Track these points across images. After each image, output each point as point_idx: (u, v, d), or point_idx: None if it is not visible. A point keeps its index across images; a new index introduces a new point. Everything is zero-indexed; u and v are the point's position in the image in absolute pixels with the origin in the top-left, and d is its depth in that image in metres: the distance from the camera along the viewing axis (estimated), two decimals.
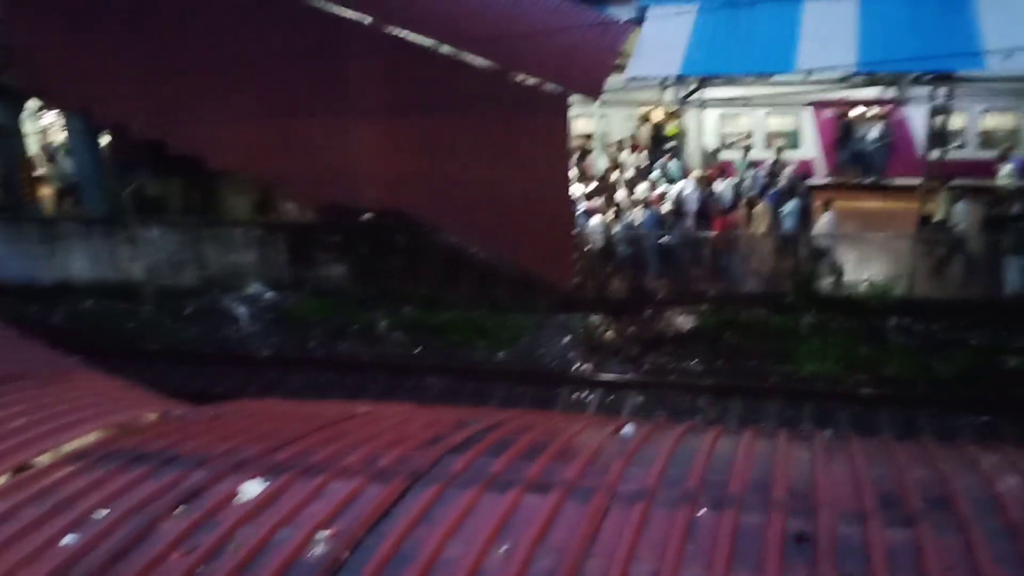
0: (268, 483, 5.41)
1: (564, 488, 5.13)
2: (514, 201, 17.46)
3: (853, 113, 23.90)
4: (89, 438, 6.68)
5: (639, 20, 17.93)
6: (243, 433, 6.62)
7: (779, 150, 22.33)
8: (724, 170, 21.38)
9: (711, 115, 23.47)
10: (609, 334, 17.27)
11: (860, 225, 19.18)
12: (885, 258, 17.23)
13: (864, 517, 4.68)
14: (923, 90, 18.05)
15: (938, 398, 14.60)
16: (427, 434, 6.27)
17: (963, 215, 17.23)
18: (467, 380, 16.74)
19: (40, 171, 25.51)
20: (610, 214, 18.79)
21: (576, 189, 19.37)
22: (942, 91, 17.45)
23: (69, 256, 20.79)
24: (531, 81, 16.62)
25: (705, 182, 19.80)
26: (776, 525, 4.62)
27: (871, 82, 17.66)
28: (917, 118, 22.27)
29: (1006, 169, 19.91)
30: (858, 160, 23.54)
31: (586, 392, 16.05)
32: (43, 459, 6.20)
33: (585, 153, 23.45)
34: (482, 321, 17.89)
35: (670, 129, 24.89)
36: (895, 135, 23.16)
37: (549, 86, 16.48)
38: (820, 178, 22.17)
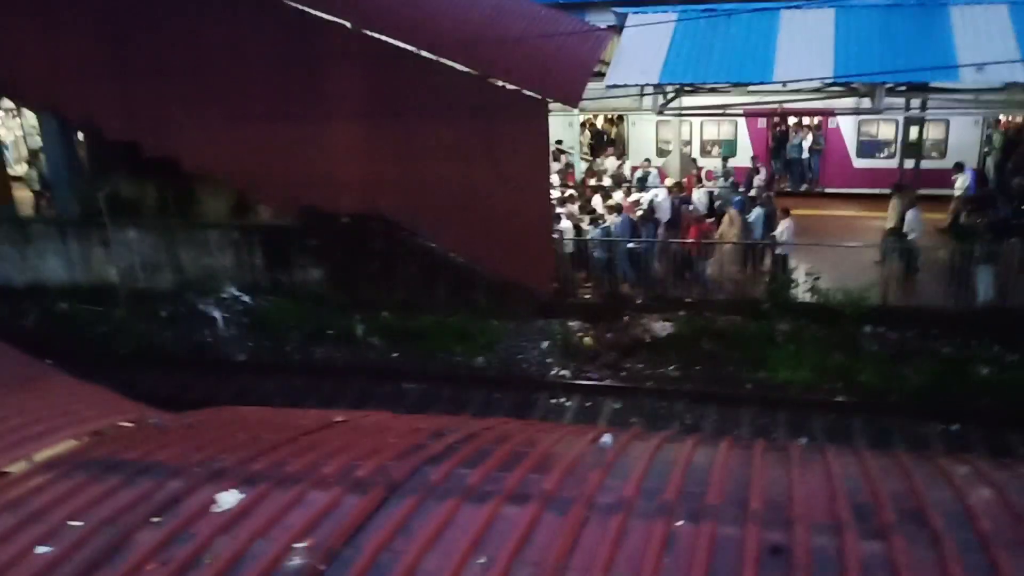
0: (244, 493, 5.38)
1: (542, 499, 5.14)
2: (492, 206, 17.49)
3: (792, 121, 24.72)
4: (62, 446, 6.62)
5: (619, 28, 18.01)
6: (219, 442, 6.58)
7: (725, 159, 22.71)
8: (698, 178, 21.60)
9: (648, 123, 23.96)
10: (587, 340, 17.31)
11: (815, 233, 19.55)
12: (844, 266, 17.41)
13: (839, 529, 4.73)
14: (897, 100, 18.37)
15: (909, 406, 14.79)
16: (405, 444, 6.26)
17: (914, 223, 17.45)
18: (444, 386, 16.70)
19: (16, 172, 25.24)
20: (574, 220, 18.75)
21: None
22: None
23: (42, 258, 20.54)
24: (510, 87, 16.65)
25: (678, 189, 19.97)
26: (752, 537, 4.66)
27: (847, 93, 17.86)
28: (849, 128, 22.79)
29: (960, 180, 20.26)
30: (791, 168, 23.87)
31: (564, 398, 16.08)
32: (15, 468, 6.13)
33: (558, 154, 23.68)
34: (459, 326, 17.86)
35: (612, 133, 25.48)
36: (827, 145, 23.59)
37: (528, 92, 16.51)
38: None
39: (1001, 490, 5.32)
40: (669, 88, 18.03)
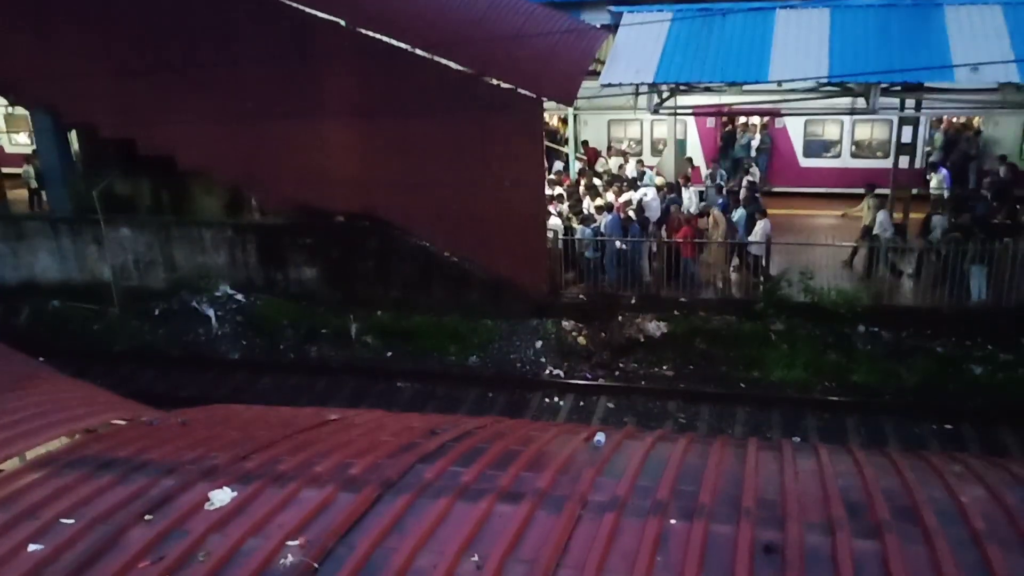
0: (237, 491, 5.37)
1: (536, 497, 5.14)
2: (486, 205, 17.46)
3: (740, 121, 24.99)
4: (55, 444, 6.60)
5: (614, 26, 18.01)
6: (212, 440, 6.57)
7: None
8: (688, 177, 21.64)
9: (599, 121, 24.08)
10: (580, 339, 17.32)
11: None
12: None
13: (832, 527, 4.73)
14: (892, 100, 18.39)
15: (903, 405, 14.83)
16: (399, 442, 6.25)
17: (885, 224, 17.48)
18: (438, 385, 16.71)
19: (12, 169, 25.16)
20: (563, 219, 18.71)
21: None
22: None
23: (35, 255, 20.47)
24: (505, 85, 16.64)
25: (668, 189, 19.97)
26: (745, 536, 4.66)
27: (842, 92, 17.89)
28: (796, 128, 22.92)
29: (936, 180, 20.23)
30: (739, 168, 24.01)
31: (557, 397, 16.09)
32: (8, 465, 6.11)
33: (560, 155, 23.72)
34: (453, 326, 17.86)
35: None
36: (775, 144, 23.69)
37: (523, 91, 16.50)
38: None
39: (993, 488, 5.34)
40: (664, 87, 18.03)
